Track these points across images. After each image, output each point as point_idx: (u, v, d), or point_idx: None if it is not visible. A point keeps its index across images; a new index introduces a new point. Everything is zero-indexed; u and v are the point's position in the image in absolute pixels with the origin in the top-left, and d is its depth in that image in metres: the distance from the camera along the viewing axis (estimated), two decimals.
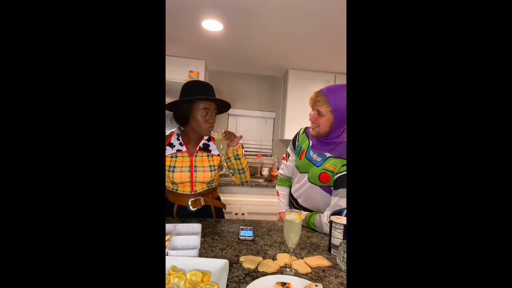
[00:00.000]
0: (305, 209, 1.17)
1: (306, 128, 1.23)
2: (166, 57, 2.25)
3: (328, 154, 1.07)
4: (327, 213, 1.03)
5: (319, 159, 1.09)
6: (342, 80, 2.52)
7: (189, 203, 1.12)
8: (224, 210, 1.27)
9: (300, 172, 1.17)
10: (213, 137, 1.18)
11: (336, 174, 1.02)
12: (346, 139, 1.07)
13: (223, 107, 1.16)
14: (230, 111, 2.80)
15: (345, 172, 0.99)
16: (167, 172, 1.10)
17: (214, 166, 1.15)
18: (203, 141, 1.17)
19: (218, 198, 1.28)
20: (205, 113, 1.06)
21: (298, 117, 2.49)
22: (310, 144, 1.15)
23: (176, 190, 1.14)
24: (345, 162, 1.01)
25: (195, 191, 1.14)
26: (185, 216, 1.14)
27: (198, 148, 1.15)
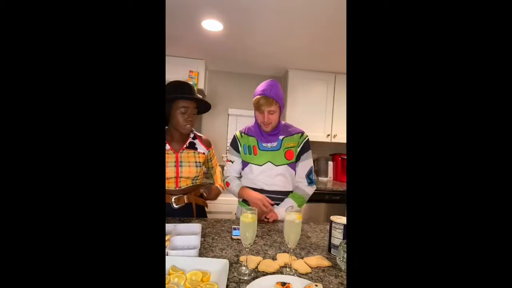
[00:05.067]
0: (272, 195, 1.20)
1: (241, 131, 1.29)
2: (166, 57, 2.25)
3: (281, 137, 1.21)
4: (300, 179, 1.21)
5: (275, 144, 1.21)
6: (342, 80, 2.52)
7: (173, 200, 1.12)
8: (206, 208, 1.28)
9: (262, 165, 1.20)
10: (202, 141, 1.25)
11: (298, 147, 1.21)
12: (283, 122, 1.25)
13: (204, 107, 1.21)
14: (230, 111, 2.81)
15: (305, 142, 1.21)
16: None
17: (199, 162, 1.20)
18: (189, 140, 1.21)
19: (201, 196, 1.27)
20: (183, 111, 1.09)
21: (298, 117, 2.49)
22: (258, 139, 1.23)
23: None
24: (299, 135, 1.22)
25: (180, 187, 1.15)
26: (167, 214, 1.13)
27: (184, 146, 1.18)
